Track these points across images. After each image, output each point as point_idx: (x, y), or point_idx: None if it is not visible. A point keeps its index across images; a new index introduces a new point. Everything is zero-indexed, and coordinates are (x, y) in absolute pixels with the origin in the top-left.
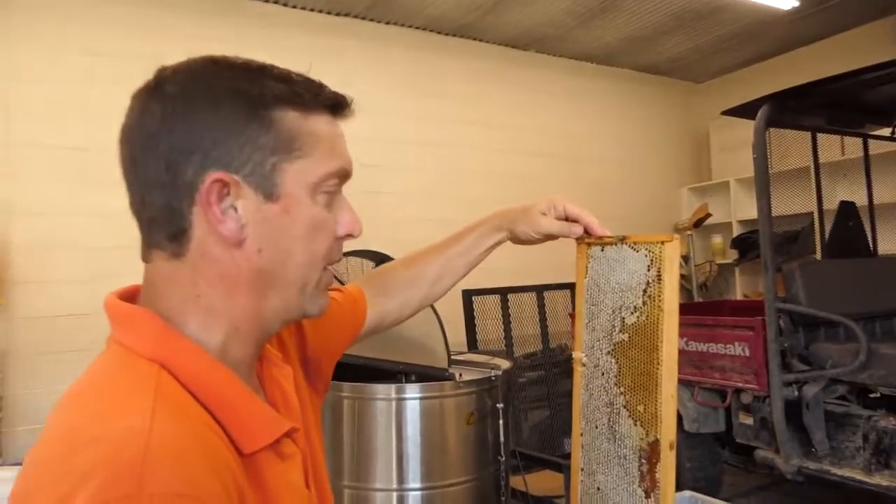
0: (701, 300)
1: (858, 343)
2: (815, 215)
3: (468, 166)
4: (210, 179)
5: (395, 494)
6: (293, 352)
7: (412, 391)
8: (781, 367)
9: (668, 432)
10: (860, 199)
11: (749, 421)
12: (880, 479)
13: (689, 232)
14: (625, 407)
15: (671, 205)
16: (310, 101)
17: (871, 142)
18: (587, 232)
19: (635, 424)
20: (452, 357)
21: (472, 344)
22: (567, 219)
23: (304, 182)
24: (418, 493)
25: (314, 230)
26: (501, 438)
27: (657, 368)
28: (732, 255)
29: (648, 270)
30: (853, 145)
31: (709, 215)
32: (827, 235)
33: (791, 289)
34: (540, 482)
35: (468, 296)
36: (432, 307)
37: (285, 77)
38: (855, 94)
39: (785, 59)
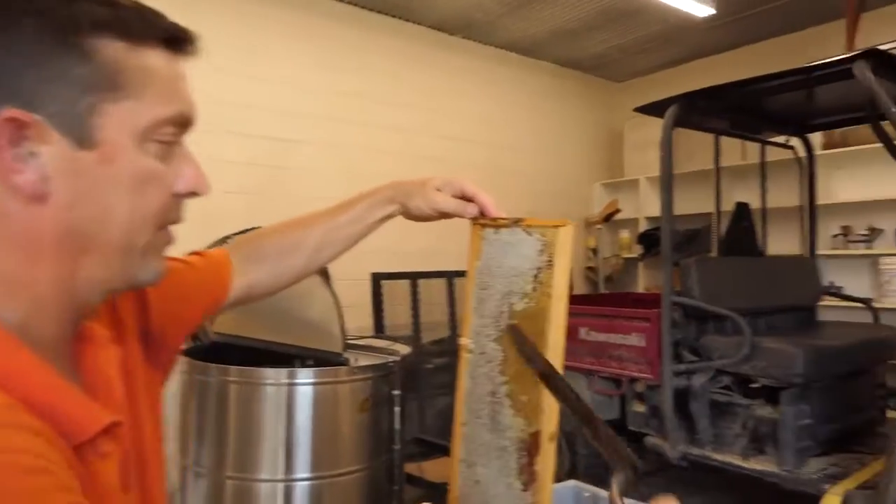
0: (605, 292)
1: (744, 336)
2: (714, 215)
3: (386, 146)
4: (0, 118)
5: (281, 485)
6: (132, 324)
7: (304, 376)
8: (673, 357)
9: (549, 423)
10: (755, 202)
11: (642, 409)
12: (755, 464)
13: (598, 226)
14: (508, 396)
15: (584, 198)
16: (140, 30)
17: (768, 148)
18: (482, 213)
19: (517, 415)
20: (351, 341)
21: (380, 329)
22: (463, 198)
23: (130, 127)
24: (306, 483)
25: (142, 184)
26: (397, 426)
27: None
28: (638, 249)
29: (540, 255)
30: (754, 150)
31: (618, 211)
32: (723, 234)
33: (686, 283)
34: (440, 468)
35: (377, 279)
36: (329, 287)
37: (110, 1)
38: (756, 100)
39: (701, 65)
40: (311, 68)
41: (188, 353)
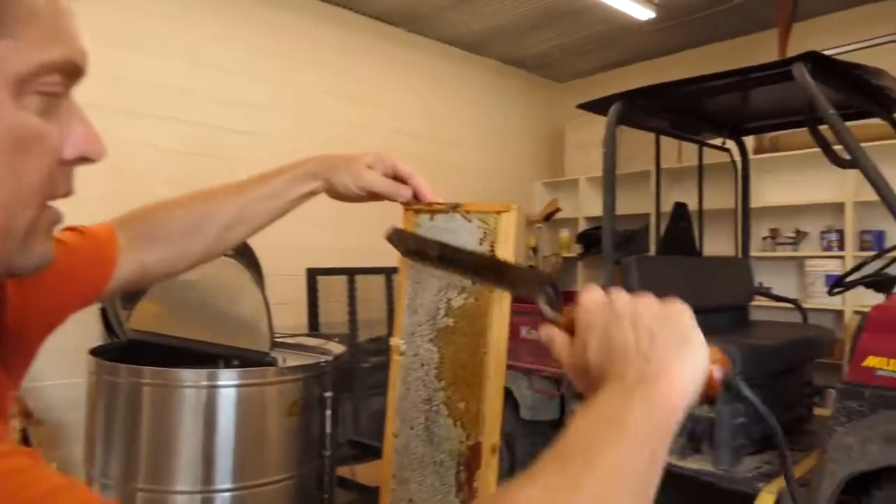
0: None
1: None
2: (653, 214)
3: (327, 138)
4: None
5: (199, 497)
6: None
7: (227, 378)
8: None
9: (491, 434)
10: (693, 203)
11: None
12: (692, 463)
13: (539, 225)
14: (444, 404)
15: (524, 196)
16: None
17: (706, 151)
18: (416, 197)
19: (455, 425)
20: (281, 340)
21: (315, 326)
22: (397, 178)
23: (2, 75)
24: (227, 494)
25: (20, 146)
26: (328, 430)
27: (482, 360)
28: (577, 249)
29: (481, 244)
30: (690, 153)
31: (559, 210)
32: (662, 234)
33: (627, 281)
34: (373, 472)
35: (312, 275)
36: (257, 281)
37: None
38: (696, 101)
39: (643, 67)
40: (251, 55)
41: (97, 351)
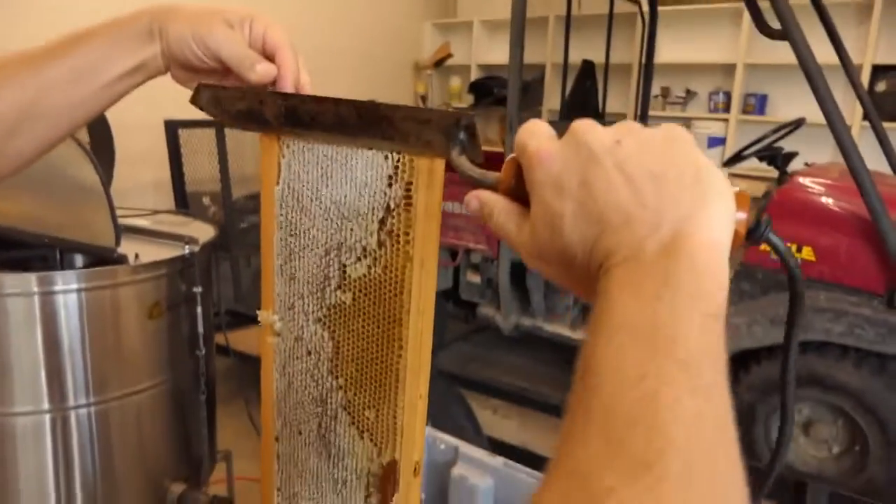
0: None
1: None
2: (549, 67)
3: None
4: None
5: (47, 417)
6: None
7: (65, 281)
8: None
9: (411, 450)
10: (587, 54)
11: (476, 279)
12: (581, 334)
13: (428, 71)
14: (345, 409)
15: (413, 40)
16: None
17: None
18: (276, 84)
19: (361, 437)
20: (128, 224)
21: (180, 187)
22: (263, 53)
23: None
24: (84, 410)
25: None
26: (200, 329)
27: (397, 355)
28: (469, 99)
29: (390, 186)
30: (589, 2)
31: (450, 55)
32: (568, 94)
33: None
34: (252, 339)
35: (172, 128)
36: (90, 158)
37: None
38: None
39: None
40: None
41: None
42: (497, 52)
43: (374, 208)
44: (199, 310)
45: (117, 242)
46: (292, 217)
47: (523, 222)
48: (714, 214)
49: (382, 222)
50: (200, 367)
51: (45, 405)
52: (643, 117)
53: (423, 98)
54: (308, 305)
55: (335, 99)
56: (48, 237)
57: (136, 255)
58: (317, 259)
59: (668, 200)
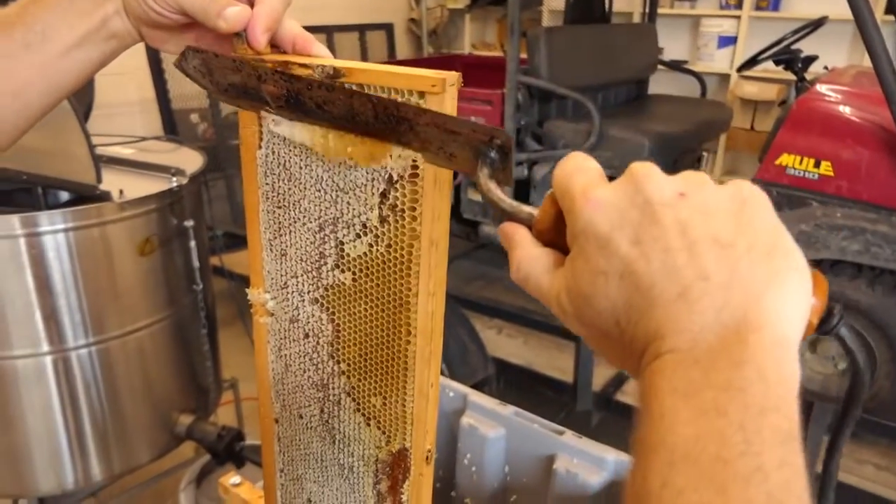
0: (431, 52)
1: (590, 122)
2: None
3: None
4: None
5: (48, 359)
6: None
7: (50, 221)
8: (516, 145)
9: (423, 439)
10: None
11: (478, 198)
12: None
13: None
14: (349, 395)
15: None
16: None
17: None
18: (249, 40)
19: (368, 424)
20: (112, 156)
21: (165, 106)
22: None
23: None
24: (85, 350)
25: None
26: (196, 263)
27: (405, 341)
28: (465, 0)
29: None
30: None
31: None
32: None
33: (534, 59)
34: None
35: None
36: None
37: None
38: None
39: None
40: None
41: None
42: None
43: (373, 179)
44: (192, 244)
45: (98, 179)
46: (279, 186)
47: (557, 272)
48: (788, 299)
49: (384, 195)
50: (199, 301)
51: (45, 347)
52: (651, 16)
53: (417, 1)
54: (303, 285)
55: (350, 90)
56: (26, 174)
57: (121, 192)
58: (310, 235)
59: (735, 275)
